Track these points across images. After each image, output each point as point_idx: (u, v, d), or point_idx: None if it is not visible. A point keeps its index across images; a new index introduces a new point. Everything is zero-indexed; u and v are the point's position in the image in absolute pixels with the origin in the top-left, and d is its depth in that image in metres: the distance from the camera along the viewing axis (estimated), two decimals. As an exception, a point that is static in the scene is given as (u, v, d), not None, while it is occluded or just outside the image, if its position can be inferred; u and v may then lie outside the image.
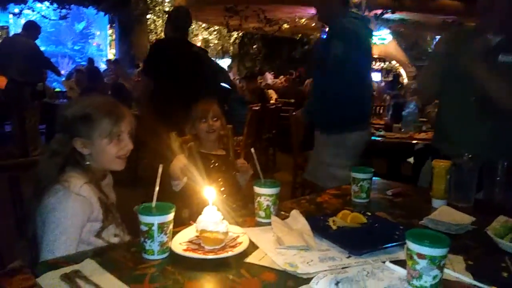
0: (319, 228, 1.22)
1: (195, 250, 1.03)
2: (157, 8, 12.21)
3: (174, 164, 1.88)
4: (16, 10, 10.71)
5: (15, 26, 9.99)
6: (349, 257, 1.05)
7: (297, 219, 1.25)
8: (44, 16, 11.34)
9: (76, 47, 12.70)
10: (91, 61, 9.18)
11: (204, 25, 16.30)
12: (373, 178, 1.80)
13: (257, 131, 4.79)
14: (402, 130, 3.72)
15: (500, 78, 1.76)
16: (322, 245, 1.12)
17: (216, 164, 2.02)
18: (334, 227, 1.24)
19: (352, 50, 2.34)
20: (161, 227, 0.98)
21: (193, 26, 16.39)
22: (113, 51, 13.26)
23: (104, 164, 1.35)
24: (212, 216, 1.06)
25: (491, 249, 1.13)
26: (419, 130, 3.67)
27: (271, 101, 6.46)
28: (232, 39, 17.34)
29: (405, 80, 11.38)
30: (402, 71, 12.81)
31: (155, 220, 0.98)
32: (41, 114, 6.03)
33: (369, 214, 1.34)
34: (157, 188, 1.06)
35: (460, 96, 1.92)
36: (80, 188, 1.23)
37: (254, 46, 17.46)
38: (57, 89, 8.03)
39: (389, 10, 8.91)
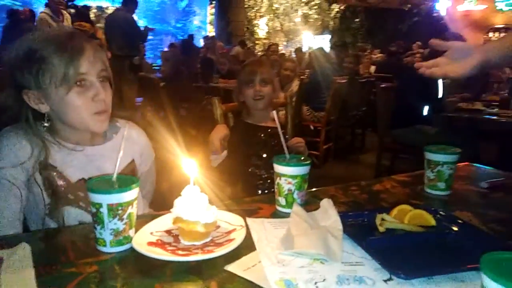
0: (357, 229, 0.84)
1: (164, 246, 0.75)
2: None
3: (213, 135, 1.61)
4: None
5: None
6: (388, 280, 0.67)
7: (327, 212, 0.88)
8: (151, -5, 12.09)
9: (178, 25, 13.22)
10: (190, 37, 9.45)
11: (304, -1, 15.73)
12: (476, 165, 1.40)
13: (342, 107, 4.31)
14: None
15: None
16: (352, 256, 0.75)
17: (264, 138, 1.70)
18: (380, 229, 0.85)
19: None
20: (113, 209, 0.72)
21: (293, 1, 15.97)
22: (213, 28, 13.55)
23: (76, 124, 0.97)
24: (191, 200, 0.76)
25: None
26: (548, 107, 2.86)
27: (365, 75, 5.83)
28: (333, 13, 16.47)
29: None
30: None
31: (104, 199, 0.72)
32: (137, 87, 6.31)
33: (443, 213, 0.91)
34: (121, 153, 0.79)
35: None
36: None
37: (356, 20, 16.34)
38: (155, 64, 8.39)
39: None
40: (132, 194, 0.74)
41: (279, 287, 0.64)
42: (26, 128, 0.96)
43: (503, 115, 2.86)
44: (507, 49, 1.02)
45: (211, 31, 13.30)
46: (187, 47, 6.85)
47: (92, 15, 11.38)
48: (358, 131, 5.02)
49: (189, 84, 5.25)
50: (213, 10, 13.35)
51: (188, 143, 1.62)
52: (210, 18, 13.96)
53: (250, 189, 1.62)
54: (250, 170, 1.65)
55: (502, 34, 12.07)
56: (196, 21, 13.67)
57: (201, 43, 11.13)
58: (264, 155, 1.66)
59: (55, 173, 0.95)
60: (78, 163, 0.99)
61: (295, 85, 3.93)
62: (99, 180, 0.77)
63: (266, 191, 1.62)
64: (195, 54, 6.78)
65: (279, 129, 1.05)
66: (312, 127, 4.00)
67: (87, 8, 7.57)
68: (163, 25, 12.97)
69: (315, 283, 0.65)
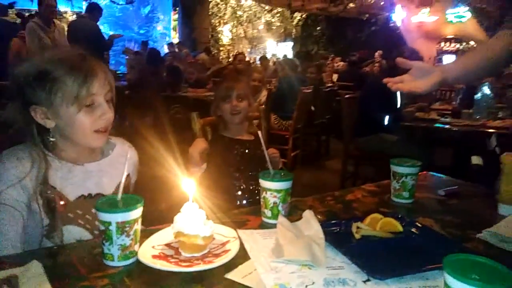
0: (336, 236, 0.95)
1: (167, 258, 0.82)
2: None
3: (193, 149, 1.68)
4: (88, -4, 11.31)
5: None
6: (367, 281, 0.78)
7: (309, 222, 0.99)
8: (112, 1, 11.89)
9: (141, 31, 13.09)
10: (144, 43, 9.43)
11: (267, 7, 16.01)
12: (432, 173, 1.55)
13: (308, 115, 4.49)
14: (475, 117, 3.22)
15: None
16: (334, 261, 0.86)
17: (241, 151, 1.79)
18: (357, 236, 0.96)
19: None
20: (121, 227, 0.79)
21: (256, 8, 16.23)
22: (177, 34, 13.51)
23: (78, 140, 1.04)
24: (191, 216, 0.84)
25: None
26: (494, 117, 3.14)
27: (328, 84, 6.06)
28: (295, 21, 16.88)
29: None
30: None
31: (113, 218, 0.78)
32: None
33: (408, 220, 1.04)
34: (125, 174, 0.86)
35: None
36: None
37: (318, 28, 16.84)
38: (119, 72, 8.27)
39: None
40: (137, 212, 0.81)
41: (275, 291, 0.73)
42: (30, 144, 1.00)
43: (455, 124, 3.10)
44: (462, 70, 1.20)
45: (174, 37, 13.26)
46: (154, 57, 6.80)
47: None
48: (322, 138, 5.22)
49: (156, 93, 5.24)
50: (177, 16, 13.33)
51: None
52: (173, 24, 13.91)
53: (230, 200, 1.70)
54: (229, 181, 1.73)
55: (453, 44, 12.86)
56: (159, 27, 13.59)
57: (165, 49, 11.08)
58: (242, 167, 1.75)
59: (54, 194, 0.99)
60: (77, 180, 1.04)
61: (263, 95, 4.06)
62: (105, 200, 0.83)
63: (244, 202, 1.71)
64: (161, 63, 6.75)
65: (264, 147, 1.15)
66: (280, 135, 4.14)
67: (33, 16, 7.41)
68: (125, 31, 12.78)
69: (306, 286, 0.75)
